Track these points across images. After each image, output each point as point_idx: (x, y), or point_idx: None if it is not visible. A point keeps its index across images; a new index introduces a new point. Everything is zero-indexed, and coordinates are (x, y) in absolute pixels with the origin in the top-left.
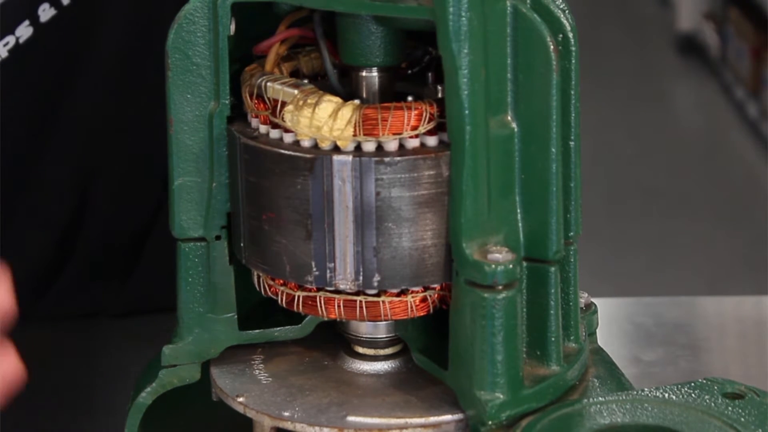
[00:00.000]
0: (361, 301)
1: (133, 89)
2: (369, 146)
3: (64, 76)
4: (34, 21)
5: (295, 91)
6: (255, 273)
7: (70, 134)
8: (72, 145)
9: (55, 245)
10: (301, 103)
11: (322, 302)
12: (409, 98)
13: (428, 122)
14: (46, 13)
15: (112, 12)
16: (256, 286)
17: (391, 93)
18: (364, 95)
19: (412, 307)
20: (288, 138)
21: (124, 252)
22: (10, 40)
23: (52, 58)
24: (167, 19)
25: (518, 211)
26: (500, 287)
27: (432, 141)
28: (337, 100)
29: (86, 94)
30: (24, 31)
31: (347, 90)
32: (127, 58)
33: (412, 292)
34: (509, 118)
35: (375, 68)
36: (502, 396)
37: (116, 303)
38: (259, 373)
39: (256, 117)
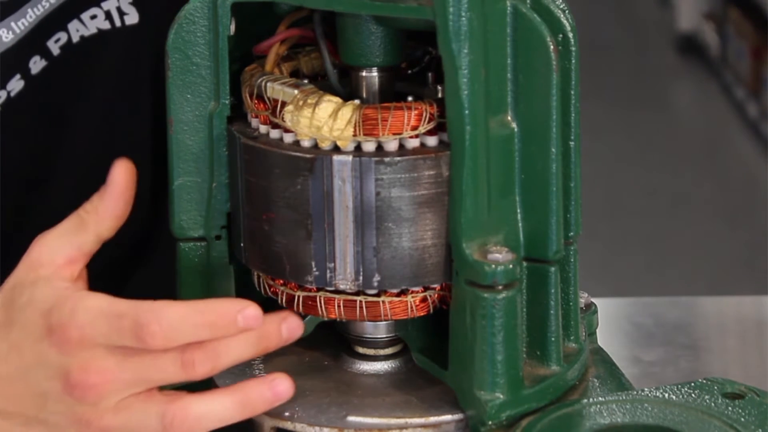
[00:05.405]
0: (361, 301)
1: (124, 138)
2: (369, 146)
3: (55, 127)
4: (25, 74)
5: (295, 91)
6: (255, 273)
7: (63, 185)
8: (67, 195)
9: None
10: (301, 103)
11: (322, 302)
12: (409, 98)
13: (428, 122)
14: (36, 65)
15: (102, 61)
16: (256, 286)
17: (391, 93)
18: (364, 95)
19: (412, 307)
20: (288, 138)
21: (124, 260)
22: (2, 94)
23: (43, 110)
24: (157, 68)
25: (518, 211)
26: (500, 287)
27: (432, 141)
28: (337, 100)
29: (78, 143)
30: (15, 84)
31: (347, 90)
32: (117, 108)
33: (412, 292)
34: (509, 118)
35: (375, 68)
36: (502, 396)
37: None
38: (259, 373)
39: (256, 117)
